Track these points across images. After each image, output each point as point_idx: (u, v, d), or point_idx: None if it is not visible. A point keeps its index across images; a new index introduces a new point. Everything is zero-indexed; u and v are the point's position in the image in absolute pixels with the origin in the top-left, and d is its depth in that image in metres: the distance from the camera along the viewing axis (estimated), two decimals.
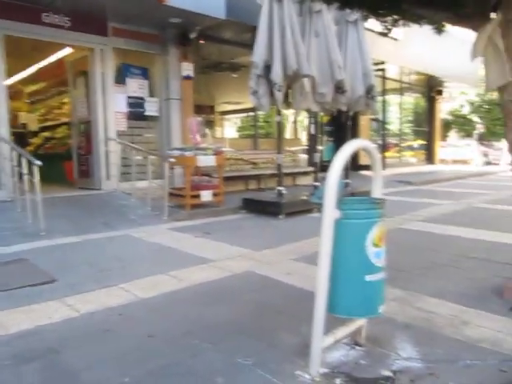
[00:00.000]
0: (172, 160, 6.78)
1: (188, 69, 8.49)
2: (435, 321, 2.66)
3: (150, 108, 8.45)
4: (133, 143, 7.80)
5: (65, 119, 9.88)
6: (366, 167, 10.23)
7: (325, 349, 2.10)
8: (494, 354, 2.22)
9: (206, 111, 15.55)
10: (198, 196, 6.89)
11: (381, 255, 1.99)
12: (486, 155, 19.71)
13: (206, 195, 6.94)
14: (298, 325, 2.55)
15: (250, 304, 3.01)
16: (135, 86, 8.24)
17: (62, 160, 9.14)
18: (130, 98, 8.11)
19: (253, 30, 7.28)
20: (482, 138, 19.18)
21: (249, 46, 7.25)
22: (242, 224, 6.28)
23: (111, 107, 7.81)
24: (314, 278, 2.01)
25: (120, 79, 8.03)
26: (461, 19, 3.39)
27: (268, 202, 6.99)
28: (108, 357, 2.28)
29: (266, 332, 2.53)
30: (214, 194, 7.11)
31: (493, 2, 3.22)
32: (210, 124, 16.75)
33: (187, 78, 8.50)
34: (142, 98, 8.31)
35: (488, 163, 19.53)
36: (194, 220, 6.47)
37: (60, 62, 8.95)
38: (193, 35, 8.27)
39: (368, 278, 1.93)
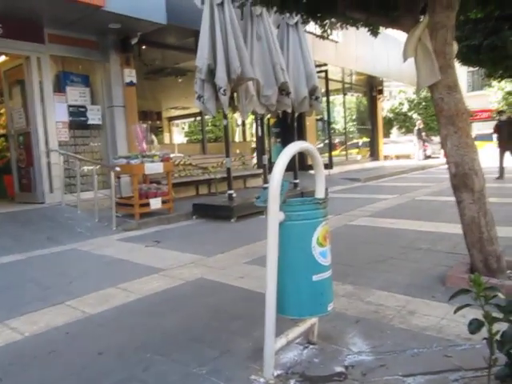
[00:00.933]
0: (118, 169, 6.60)
1: (130, 75, 8.31)
2: (384, 313, 2.75)
3: (93, 116, 8.18)
4: (76, 153, 7.52)
5: (1, 131, 9.37)
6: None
7: (278, 351, 2.11)
8: (438, 341, 2.32)
9: (152, 117, 15.29)
10: (147, 204, 6.75)
11: (326, 254, 2.02)
12: (425, 149, 20.68)
13: (155, 203, 6.81)
14: (252, 329, 2.55)
15: (204, 311, 2.98)
16: (76, 94, 7.95)
17: (0, 174, 8.66)
18: (71, 106, 7.81)
19: (195, 34, 7.25)
20: (421, 134, 20.11)
21: (192, 50, 7.21)
22: (193, 230, 6.21)
23: (51, 117, 7.48)
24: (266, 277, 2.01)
25: (60, 87, 7.72)
26: (392, 22, 3.54)
27: (219, 207, 6.97)
28: (54, 380, 2.18)
29: (220, 338, 2.51)
30: (164, 201, 6.99)
31: (421, 5, 3.39)
32: (157, 130, 16.49)
33: (130, 84, 8.31)
34: (83, 107, 8.02)
35: (428, 157, 20.51)
36: (144, 229, 6.33)
37: None
38: (134, 41, 8.10)
39: (315, 277, 1.96)
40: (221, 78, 6.25)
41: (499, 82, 14.34)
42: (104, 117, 8.28)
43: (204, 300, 3.20)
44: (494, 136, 11.72)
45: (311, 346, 2.33)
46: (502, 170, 10.51)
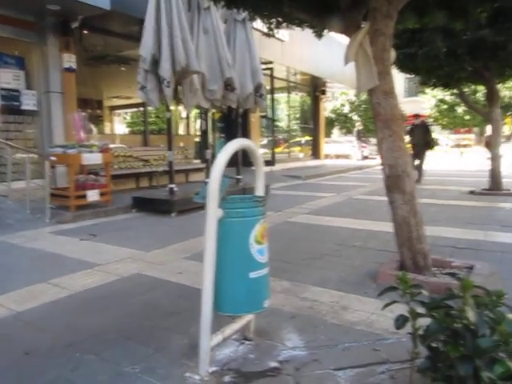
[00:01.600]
0: (53, 158, 6.28)
1: (70, 60, 7.90)
2: (319, 308, 2.84)
3: (28, 101, 7.69)
4: (8, 140, 7.05)
5: None
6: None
7: (214, 347, 2.11)
8: (368, 336, 2.43)
9: (93, 106, 14.70)
10: (83, 196, 6.47)
11: (264, 252, 2.05)
12: (363, 150, 21.52)
13: (93, 195, 6.55)
14: (188, 325, 2.53)
15: (139, 308, 2.91)
16: (9, 76, 7.44)
17: None
18: (2, 89, 7.31)
19: (140, 22, 7.01)
20: (360, 135, 20.90)
21: (137, 39, 6.98)
22: (132, 224, 6.05)
23: None
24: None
25: None
26: (335, 26, 3.63)
27: (159, 200, 6.83)
28: None
29: (155, 336, 2.47)
30: (102, 194, 6.74)
31: (363, 12, 3.51)
32: (98, 119, 15.87)
33: (69, 70, 7.91)
34: (17, 91, 7.53)
35: (366, 157, 21.37)
36: (79, 222, 6.07)
37: None
38: (75, 25, 7.72)
39: (252, 274, 1.98)
40: (165, 70, 6.12)
41: (432, 89, 15.16)
42: (40, 103, 7.83)
43: (139, 296, 3.13)
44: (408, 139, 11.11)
45: (247, 342, 2.35)
46: (419, 172, 10.45)
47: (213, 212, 1.84)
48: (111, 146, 7.96)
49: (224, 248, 1.93)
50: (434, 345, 1.53)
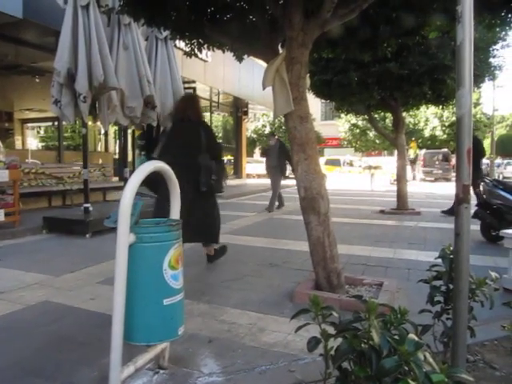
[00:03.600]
0: None
1: None
2: (236, 331, 2.82)
3: None
4: None
5: None
6: None
7: (126, 379, 2.00)
8: (284, 357, 2.46)
9: (1, 118, 13.69)
10: None
11: (178, 277, 2.00)
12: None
13: None
14: (99, 356, 2.39)
15: (45, 340, 2.69)
16: None
17: None
18: None
19: (56, 34, 6.69)
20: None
21: (53, 50, 6.64)
22: (41, 246, 5.63)
23: None
24: None
25: None
26: (254, 51, 3.74)
27: (73, 221, 6.46)
28: None
29: (61, 370, 2.29)
30: (8, 214, 6.22)
31: (281, 39, 3.66)
32: (7, 133, 14.78)
33: None
34: None
35: (286, 177, 21.96)
36: None
37: None
38: None
39: (166, 301, 1.92)
40: (81, 84, 5.86)
41: (346, 114, 16.11)
42: None
43: (47, 327, 2.90)
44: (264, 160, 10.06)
45: (162, 371, 2.27)
46: (279, 200, 9.69)
47: (124, 237, 1.77)
48: (23, 162, 7.42)
49: (136, 274, 1.85)
50: (344, 366, 1.58)
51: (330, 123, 32.90)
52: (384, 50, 4.87)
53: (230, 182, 16.91)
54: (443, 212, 8.54)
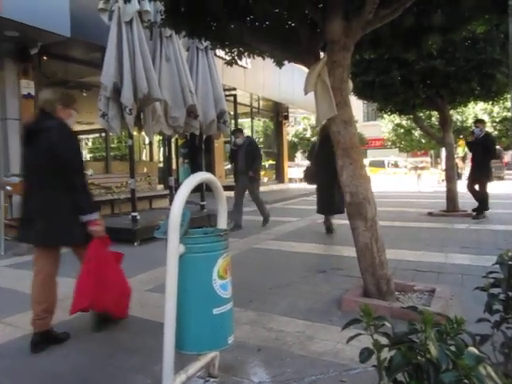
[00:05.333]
0: (9, 188, 6.03)
1: (28, 87, 7.71)
2: (285, 340, 2.80)
3: None
4: None
5: None
6: (225, 188, 10.49)
7: None
8: (335, 366, 2.41)
9: None
10: None
11: (227, 287, 2.01)
12: None
13: None
14: (151, 363, 2.44)
15: (97, 347, 2.78)
16: None
17: None
18: None
19: (102, 49, 6.98)
20: None
21: (98, 65, 6.90)
22: None
23: None
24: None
25: None
26: (295, 57, 3.72)
27: (121, 229, 6.66)
28: None
29: (116, 377, 2.36)
30: None
31: (321, 44, 3.62)
32: None
33: (28, 96, 7.71)
34: None
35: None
36: None
37: None
38: (34, 51, 7.57)
39: (216, 311, 1.93)
40: (127, 98, 6.07)
41: (389, 115, 15.74)
42: None
43: (99, 334, 2.99)
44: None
45: (212, 380, 2.28)
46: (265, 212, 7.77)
47: (174, 248, 1.80)
48: None
49: (186, 284, 1.88)
50: (399, 378, 1.52)
51: (372, 124, 32.28)
52: (429, 47, 4.73)
53: (272, 186, 16.92)
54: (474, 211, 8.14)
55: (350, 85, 3.47)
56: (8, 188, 6.04)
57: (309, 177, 7.43)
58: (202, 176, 1.95)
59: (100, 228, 2.98)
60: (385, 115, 20.07)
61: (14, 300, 3.84)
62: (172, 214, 1.77)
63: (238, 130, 8.05)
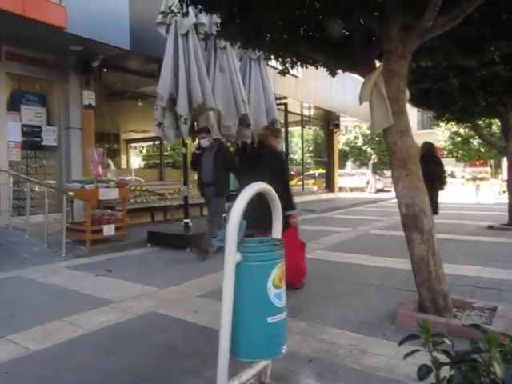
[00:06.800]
0: (71, 194, 6.38)
1: (90, 97, 8.17)
2: (337, 352, 2.76)
3: (48, 137, 7.95)
4: (28, 175, 7.23)
5: None
6: None
7: None
8: (389, 382, 2.35)
9: (110, 140, 14.99)
10: (99, 230, 6.54)
11: (282, 296, 2.02)
12: (377, 183, 21.41)
13: (108, 229, 6.60)
14: (205, 367, 2.49)
15: (154, 349, 2.87)
16: (31, 113, 7.72)
17: None
18: (25, 126, 7.56)
19: (158, 61, 7.27)
20: (375, 167, 20.85)
21: (155, 76, 7.19)
22: (146, 259, 6.05)
23: (3, 136, 7.20)
24: (220, 316, 1.97)
25: (14, 106, 7.48)
26: (350, 66, 3.70)
27: (174, 235, 6.85)
28: None
29: (170, 379, 2.43)
30: (118, 228, 6.80)
31: (377, 52, 3.58)
32: (115, 153, 16.16)
33: (89, 107, 8.16)
34: (38, 127, 7.79)
35: (380, 190, 21.23)
36: (95, 256, 6.11)
37: None
38: (95, 63, 8.01)
39: (270, 319, 1.95)
40: (182, 107, 6.27)
41: (446, 123, 15.15)
42: (60, 138, 8.06)
43: (155, 336, 3.10)
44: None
45: None
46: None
47: (231, 256, 1.84)
48: (128, 178, 8.10)
49: (242, 292, 1.91)
50: None
51: (427, 132, 31.14)
52: (491, 53, 4.54)
53: (322, 195, 16.77)
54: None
55: (407, 94, 3.39)
56: (70, 193, 6.39)
57: None
58: (258, 186, 1.98)
59: (297, 221, 4.20)
60: (441, 123, 19.37)
61: (73, 300, 4.05)
62: (230, 223, 1.82)
63: (202, 130, 6.33)
